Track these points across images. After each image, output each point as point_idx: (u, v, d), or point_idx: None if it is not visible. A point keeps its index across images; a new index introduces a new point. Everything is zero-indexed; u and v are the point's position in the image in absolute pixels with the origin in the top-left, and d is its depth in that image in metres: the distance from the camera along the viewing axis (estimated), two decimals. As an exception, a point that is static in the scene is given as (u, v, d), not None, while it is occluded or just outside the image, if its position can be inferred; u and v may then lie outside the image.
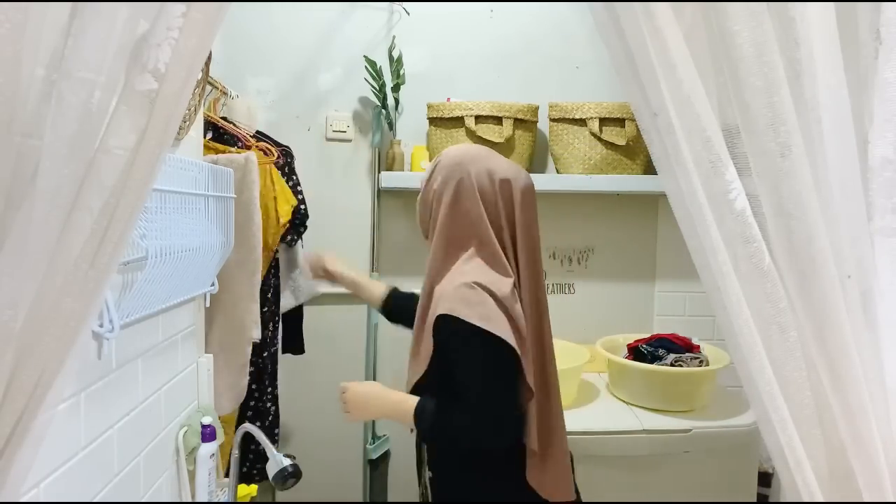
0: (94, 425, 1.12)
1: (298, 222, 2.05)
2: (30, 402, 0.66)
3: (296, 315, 2.23)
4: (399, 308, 1.70)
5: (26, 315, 0.64)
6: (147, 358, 1.33)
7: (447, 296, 1.26)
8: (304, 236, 2.13)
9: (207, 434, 1.50)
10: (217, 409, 1.71)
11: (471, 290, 1.24)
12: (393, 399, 1.35)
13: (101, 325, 1.08)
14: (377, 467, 2.55)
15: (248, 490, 1.63)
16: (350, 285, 1.75)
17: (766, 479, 2.27)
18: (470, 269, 1.29)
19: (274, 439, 2.12)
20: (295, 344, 2.25)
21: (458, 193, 1.32)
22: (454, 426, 1.26)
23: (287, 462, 1.43)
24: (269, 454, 1.44)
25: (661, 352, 2.14)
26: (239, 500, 1.60)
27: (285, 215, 1.94)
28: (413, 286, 2.51)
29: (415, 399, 1.31)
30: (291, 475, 1.43)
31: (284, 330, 2.10)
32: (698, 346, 2.21)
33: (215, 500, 1.54)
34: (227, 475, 1.57)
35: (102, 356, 1.14)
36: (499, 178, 1.33)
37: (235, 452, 1.56)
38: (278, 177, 1.96)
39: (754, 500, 2.09)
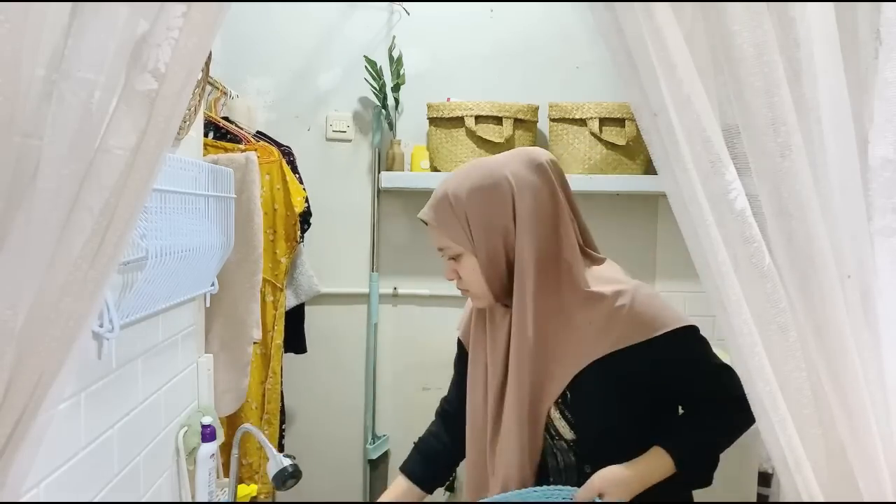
0: (94, 425, 1.12)
1: (302, 219, 2.06)
2: (30, 402, 0.66)
3: (297, 314, 2.24)
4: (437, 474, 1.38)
5: (26, 315, 0.64)
6: (147, 358, 1.33)
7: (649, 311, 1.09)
8: (305, 235, 2.13)
9: (207, 434, 1.50)
10: (218, 410, 1.71)
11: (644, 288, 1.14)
12: (641, 468, 1.09)
13: (101, 325, 1.08)
14: (377, 467, 2.55)
15: (248, 490, 1.63)
16: None
17: (766, 479, 2.27)
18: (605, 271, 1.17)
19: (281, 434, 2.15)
20: (297, 343, 2.25)
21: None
22: (735, 425, 1.12)
23: (287, 462, 1.43)
24: (268, 454, 1.44)
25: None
26: (239, 500, 1.60)
27: (299, 206, 2.03)
28: (412, 285, 2.53)
29: (656, 450, 1.10)
30: (291, 475, 1.43)
31: (286, 329, 2.11)
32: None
33: (215, 500, 1.55)
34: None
35: (102, 356, 1.14)
36: (538, 160, 1.15)
37: (235, 452, 1.57)
38: (288, 170, 2.02)
39: (754, 500, 2.09)
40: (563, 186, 1.14)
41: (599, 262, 1.20)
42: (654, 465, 1.08)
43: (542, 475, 1.19)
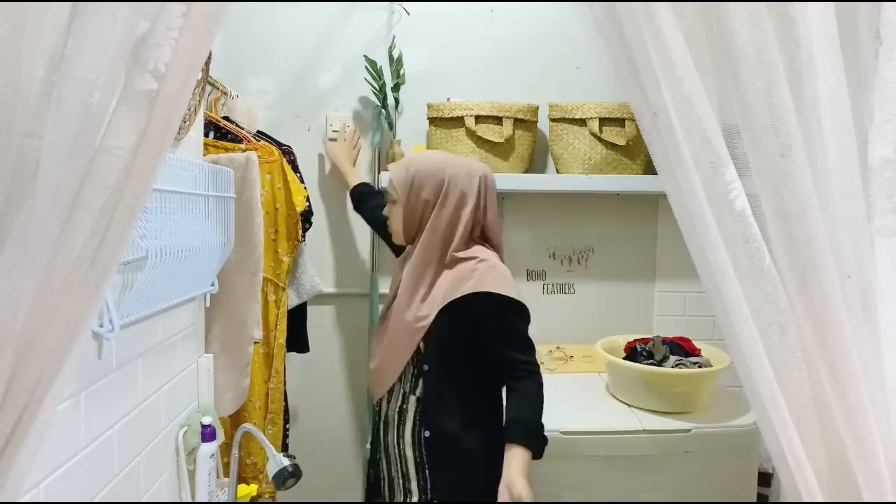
0: (94, 425, 1.12)
1: (304, 218, 2.06)
2: (30, 402, 0.66)
3: (299, 313, 2.23)
4: (365, 197, 2.15)
5: (26, 315, 0.64)
6: (147, 358, 1.33)
7: (481, 276, 1.50)
8: (306, 235, 2.13)
9: (207, 434, 1.50)
10: (218, 411, 1.71)
11: (498, 268, 1.54)
12: (520, 459, 1.41)
13: (101, 325, 1.08)
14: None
15: (248, 490, 1.63)
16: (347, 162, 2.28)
17: (766, 479, 2.27)
18: (477, 252, 1.56)
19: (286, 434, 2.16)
20: (299, 342, 2.25)
21: (448, 196, 1.57)
22: (538, 398, 1.48)
23: (287, 462, 1.43)
24: (268, 454, 1.44)
25: (658, 348, 2.14)
26: (239, 500, 1.60)
27: (301, 204, 2.03)
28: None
29: (512, 448, 1.42)
30: (291, 475, 1.43)
31: (288, 328, 2.11)
32: (699, 350, 2.21)
33: (215, 500, 1.55)
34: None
35: (102, 356, 1.14)
36: (476, 174, 1.59)
37: (235, 452, 1.57)
38: (289, 169, 2.02)
39: (754, 500, 2.09)
40: (486, 196, 1.60)
41: (487, 247, 1.61)
42: (517, 455, 1.41)
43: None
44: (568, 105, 2.29)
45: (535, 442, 1.44)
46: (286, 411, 2.15)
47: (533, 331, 1.57)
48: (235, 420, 1.87)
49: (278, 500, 2.04)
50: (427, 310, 1.54)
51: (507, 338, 1.51)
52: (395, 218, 1.63)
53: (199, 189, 1.44)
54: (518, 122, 2.29)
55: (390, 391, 1.63)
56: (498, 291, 1.48)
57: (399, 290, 1.62)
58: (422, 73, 2.43)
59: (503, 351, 1.51)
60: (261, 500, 1.92)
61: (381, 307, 1.72)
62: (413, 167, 1.59)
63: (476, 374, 1.56)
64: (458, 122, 2.27)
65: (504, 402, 1.52)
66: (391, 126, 2.40)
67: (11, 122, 0.60)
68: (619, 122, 2.25)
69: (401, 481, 1.60)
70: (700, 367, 2.08)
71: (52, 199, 0.63)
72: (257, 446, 1.92)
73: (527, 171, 2.38)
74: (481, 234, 1.62)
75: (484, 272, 1.51)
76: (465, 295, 1.49)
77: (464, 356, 1.54)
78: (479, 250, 1.57)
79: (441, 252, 1.57)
